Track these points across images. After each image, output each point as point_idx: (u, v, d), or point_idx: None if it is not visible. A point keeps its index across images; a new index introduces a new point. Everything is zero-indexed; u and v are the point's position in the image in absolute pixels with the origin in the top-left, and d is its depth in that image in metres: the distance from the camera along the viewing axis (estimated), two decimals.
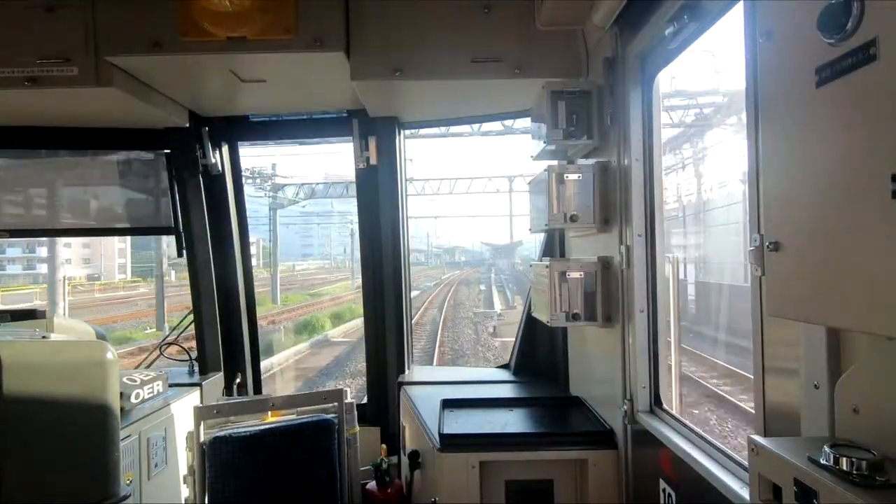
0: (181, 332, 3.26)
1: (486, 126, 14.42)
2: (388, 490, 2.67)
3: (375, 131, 3.00)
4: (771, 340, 1.24)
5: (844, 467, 0.82)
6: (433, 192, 24.09)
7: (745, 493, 1.30)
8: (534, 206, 2.47)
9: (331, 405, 2.55)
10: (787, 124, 0.94)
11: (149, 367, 3.13)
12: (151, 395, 2.67)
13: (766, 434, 1.25)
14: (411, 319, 3.37)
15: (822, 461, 0.85)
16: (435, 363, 12.20)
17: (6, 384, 1.40)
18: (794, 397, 1.14)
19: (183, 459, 2.56)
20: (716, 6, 1.50)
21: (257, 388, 3.39)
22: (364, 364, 3.15)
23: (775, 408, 1.24)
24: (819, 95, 0.85)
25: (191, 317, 3.24)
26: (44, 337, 1.66)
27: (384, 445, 2.83)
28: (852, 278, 0.80)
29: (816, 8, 0.82)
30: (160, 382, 2.75)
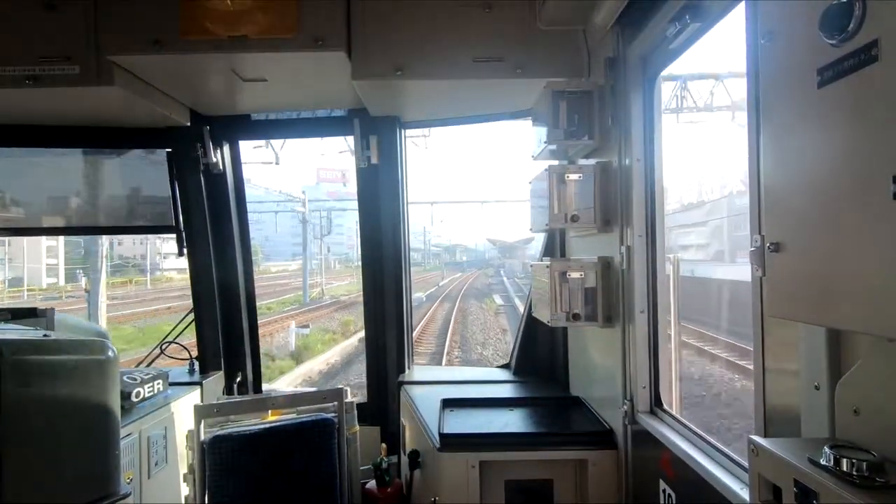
0: (182, 331, 3.26)
1: None
2: (388, 489, 2.67)
3: (377, 131, 3.00)
4: (772, 341, 1.24)
5: (845, 468, 0.82)
6: (419, 135, 13.53)
7: (745, 494, 1.30)
8: (534, 205, 2.47)
9: (331, 404, 2.55)
10: (789, 125, 0.94)
11: (149, 365, 3.13)
12: (152, 393, 2.68)
13: (766, 435, 1.25)
14: (412, 318, 3.37)
15: (823, 462, 0.85)
16: None
17: (6, 382, 1.40)
18: (794, 398, 1.14)
19: (183, 458, 2.56)
20: (717, 6, 1.50)
21: (257, 387, 3.39)
22: None
23: (776, 408, 1.24)
24: (820, 96, 0.85)
25: (191, 315, 3.24)
26: (45, 335, 1.65)
27: (384, 445, 2.83)
28: (853, 279, 0.80)
29: (818, 9, 0.82)
30: (160, 381, 2.76)
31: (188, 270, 3.21)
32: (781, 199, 0.96)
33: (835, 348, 1.02)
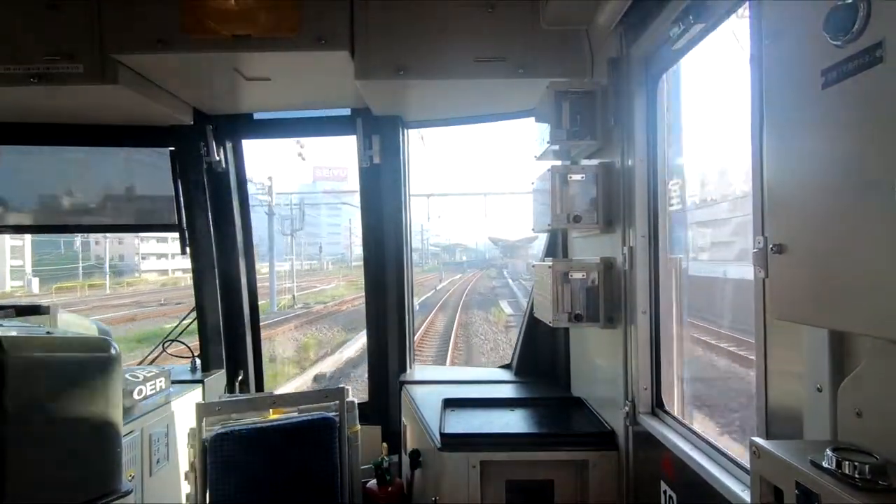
0: (184, 329, 3.27)
1: None
2: (389, 489, 2.67)
3: (379, 130, 3.01)
4: (774, 343, 1.23)
5: (847, 471, 0.82)
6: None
7: (746, 496, 1.30)
8: (537, 205, 2.47)
9: (332, 403, 2.55)
10: (792, 126, 0.94)
11: (152, 363, 3.14)
12: (154, 391, 2.68)
13: (767, 437, 1.24)
14: (413, 318, 3.37)
15: (825, 464, 0.85)
16: None
17: (9, 379, 1.41)
18: (796, 400, 1.14)
19: (184, 456, 2.57)
20: (721, 7, 1.49)
21: (259, 386, 3.40)
22: None
23: (777, 410, 1.23)
24: (825, 97, 0.84)
25: (193, 314, 3.26)
26: (48, 332, 1.66)
27: (385, 444, 2.83)
28: (857, 281, 0.79)
29: (823, 9, 0.82)
30: (163, 379, 2.76)
31: (191, 269, 3.22)
32: (785, 200, 0.96)
33: (837, 350, 1.02)
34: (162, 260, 47.74)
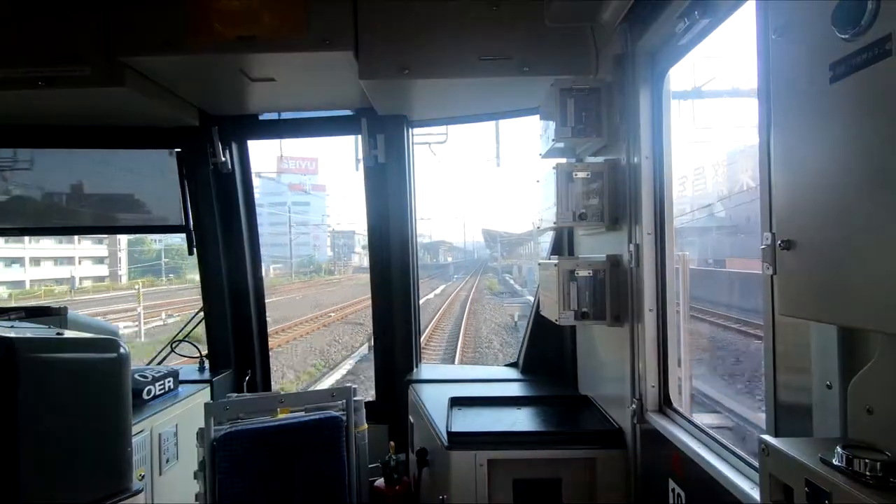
0: (192, 329, 3.29)
1: None
2: (397, 487, 2.67)
3: (384, 130, 3.01)
4: (783, 339, 1.22)
5: (858, 468, 0.81)
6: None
7: (755, 494, 1.29)
8: (542, 203, 2.46)
9: (339, 402, 2.56)
10: (800, 120, 0.93)
11: (160, 363, 3.16)
12: (163, 391, 2.71)
13: (777, 434, 1.24)
14: (420, 317, 3.38)
15: (835, 462, 0.84)
16: None
17: (21, 380, 1.43)
18: (806, 397, 1.13)
19: (194, 455, 2.59)
20: (727, 2, 1.48)
21: (267, 385, 3.42)
22: None
23: (787, 408, 1.23)
24: (833, 91, 0.84)
25: (201, 314, 3.28)
26: (58, 333, 1.68)
27: (392, 443, 2.84)
28: (866, 277, 0.79)
29: (831, 3, 0.81)
30: (171, 379, 2.78)
31: (198, 269, 3.24)
32: (793, 195, 0.95)
33: (847, 347, 1.01)
34: (14, 268, 33.14)
